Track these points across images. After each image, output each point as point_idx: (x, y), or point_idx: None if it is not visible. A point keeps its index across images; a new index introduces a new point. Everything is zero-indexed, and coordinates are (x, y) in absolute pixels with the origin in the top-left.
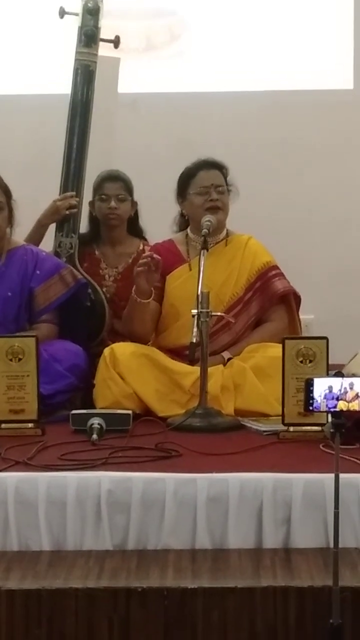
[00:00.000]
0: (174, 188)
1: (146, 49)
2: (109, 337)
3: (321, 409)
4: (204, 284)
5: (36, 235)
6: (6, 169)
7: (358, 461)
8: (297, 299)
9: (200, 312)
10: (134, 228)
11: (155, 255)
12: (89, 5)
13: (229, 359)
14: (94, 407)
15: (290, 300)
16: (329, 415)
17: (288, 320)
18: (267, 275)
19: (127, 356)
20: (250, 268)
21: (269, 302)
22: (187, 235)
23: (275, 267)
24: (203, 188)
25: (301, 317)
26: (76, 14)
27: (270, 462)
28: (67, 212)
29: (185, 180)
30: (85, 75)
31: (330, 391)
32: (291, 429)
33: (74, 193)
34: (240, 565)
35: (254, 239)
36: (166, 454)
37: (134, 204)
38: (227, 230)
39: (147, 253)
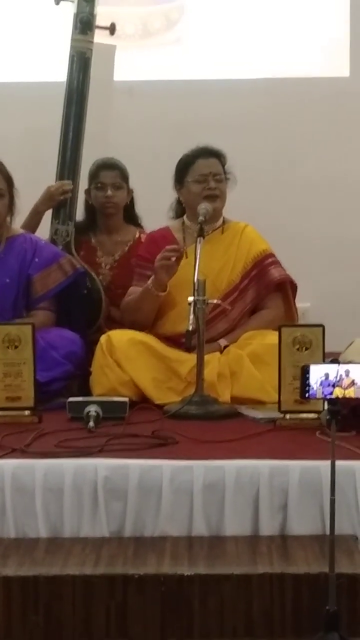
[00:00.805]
0: (170, 175)
1: (142, 36)
2: (105, 324)
3: (317, 396)
4: (201, 272)
5: (32, 223)
6: (2, 156)
7: (354, 448)
8: (294, 287)
9: (197, 299)
10: (130, 216)
11: (179, 248)
12: None
13: (225, 347)
14: (90, 395)
15: (287, 289)
16: (325, 403)
17: (284, 308)
18: (263, 263)
19: (124, 343)
20: (246, 256)
21: (265, 290)
22: (183, 222)
23: (272, 255)
24: (201, 176)
25: (297, 304)
26: (72, 1)
27: (267, 449)
28: (62, 198)
29: (184, 168)
30: (81, 63)
31: (327, 378)
32: (287, 416)
33: (67, 181)
34: (237, 552)
35: (251, 226)
36: (163, 441)
37: (130, 192)
38: (223, 218)
39: (172, 247)
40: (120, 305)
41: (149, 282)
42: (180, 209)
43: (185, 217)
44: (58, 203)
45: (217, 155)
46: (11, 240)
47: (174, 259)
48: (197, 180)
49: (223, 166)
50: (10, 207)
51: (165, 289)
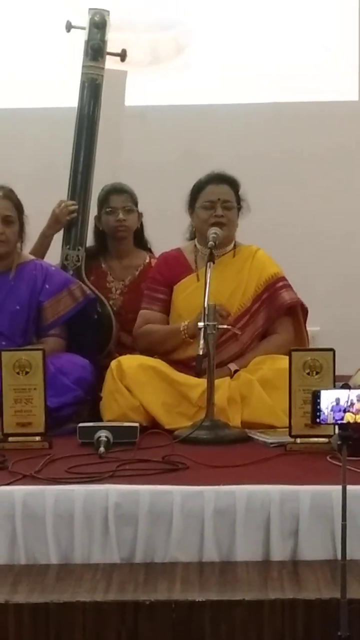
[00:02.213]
0: (180, 200)
1: (152, 62)
2: (116, 349)
3: (328, 421)
4: (212, 296)
5: (41, 247)
6: (13, 182)
7: None
8: (304, 310)
9: (207, 324)
10: (140, 240)
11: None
12: (96, 19)
13: (235, 371)
14: (101, 420)
15: (298, 312)
16: (336, 427)
17: (295, 332)
18: (274, 287)
19: (134, 369)
20: (257, 279)
21: (276, 313)
22: (195, 245)
23: (283, 279)
24: (209, 203)
25: (307, 328)
26: (83, 28)
27: (278, 474)
28: (68, 219)
29: (195, 193)
30: (92, 89)
31: (337, 403)
32: (298, 440)
33: (73, 201)
34: (248, 578)
35: (262, 250)
36: (173, 466)
37: (140, 216)
38: (234, 242)
39: (225, 309)
40: (134, 330)
41: (182, 325)
42: (194, 232)
43: (196, 240)
44: (67, 227)
45: (229, 181)
46: (21, 267)
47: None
48: (205, 207)
49: (236, 193)
50: (21, 234)
51: (194, 337)
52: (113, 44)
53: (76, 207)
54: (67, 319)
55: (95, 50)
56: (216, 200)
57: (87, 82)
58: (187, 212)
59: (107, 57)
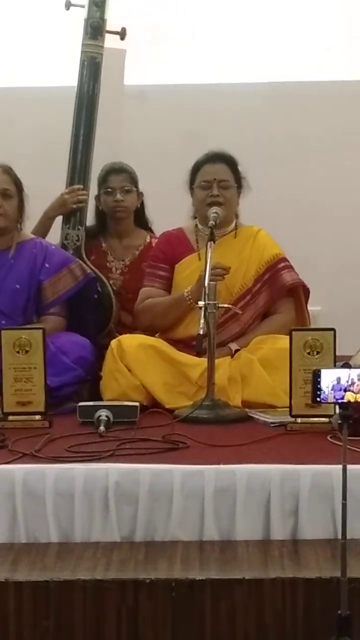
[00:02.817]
0: (181, 179)
1: (152, 40)
2: (116, 329)
3: (329, 400)
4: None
5: (43, 228)
6: (13, 161)
7: None
8: (306, 291)
9: (207, 303)
10: (141, 219)
11: (227, 268)
12: None
13: (236, 351)
14: (101, 399)
15: (299, 293)
16: (337, 407)
17: (296, 312)
18: (276, 267)
19: (134, 348)
20: (259, 260)
21: (278, 294)
22: (196, 225)
23: (285, 260)
24: (205, 182)
25: (309, 308)
26: (82, 6)
27: (278, 454)
28: (74, 206)
29: (193, 173)
30: (92, 68)
31: (338, 382)
32: (299, 420)
33: (81, 186)
34: (248, 557)
35: (264, 230)
36: (173, 445)
37: (140, 195)
38: (236, 222)
39: (221, 266)
40: (135, 307)
41: (186, 291)
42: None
43: (197, 220)
44: (69, 210)
45: (226, 160)
46: (21, 245)
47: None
48: (202, 187)
49: (234, 172)
50: (20, 211)
51: (198, 300)
52: (112, 22)
53: (86, 196)
54: (67, 298)
55: (95, 29)
56: (212, 180)
57: (87, 60)
58: (189, 192)
59: (107, 35)
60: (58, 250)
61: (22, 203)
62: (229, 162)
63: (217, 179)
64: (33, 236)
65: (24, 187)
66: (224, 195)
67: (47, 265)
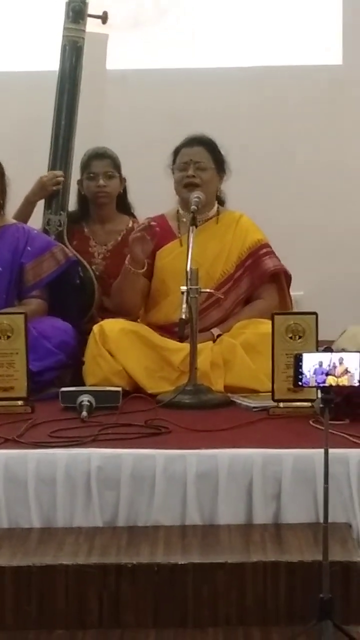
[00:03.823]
0: (163, 164)
1: (134, 25)
2: (98, 314)
3: (310, 385)
4: (194, 261)
5: (24, 213)
6: None
7: (347, 436)
8: (288, 277)
9: (190, 288)
10: (123, 205)
11: (152, 223)
12: None
13: (218, 336)
14: (83, 384)
15: (281, 279)
16: (319, 391)
17: (279, 298)
18: (258, 253)
19: (117, 333)
20: (241, 246)
21: (260, 280)
22: (178, 211)
23: (267, 245)
24: (182, 164)
25: (291, 293)
26: None
27: (260, 438)
28: (54, 189)
29: (173, 156)
30: (73, 52)
31: (320, 366)
32: (281, 404)
33: (59, 171)
34: (230, 541)
35: (246, 216)
36: (156, 430)
37: (123, 181)
38: (218, 207)
39: (144, 220)
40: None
41: (127, 260)
42: None
43: (178, 205)
44: (50, 193)
45: (203, 142)
46: (3, 229)
47: (149, 236)
48: (179, 168)
49: (213, 154)
50: (2, 196)
51: (142, 266)
52: (94, 6)
53: (63, 178)
54: (49, 281)
55: (76, 12)
56: (188, 162)
57: (68, 44)
58: (171, 175)
59: (88, 19)
60: (40, 235)
61: (3, 188)
62: (207, 144)
63: (194, 160)
64: (15, 221)
65: (6, 172)
66: (200, 176)
67: (29, 248)
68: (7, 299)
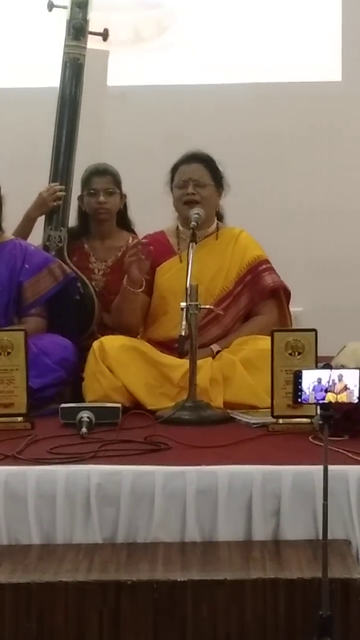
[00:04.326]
0: (163, 180)
1: (135, 42)
2: (98, 330)
3: (310, 401)
4: (194, 277)
5: (24, 229)
6: None
7: (347, 453)
8: (287, 293)
9: (189, 305)
10: (123, 221)
11: (144, 241)
12: None
13: (218, 352)
14: (83, 401)
15: (281, 295)
16: (318, 407)
17: (278, 314)
18: (257, 270)
19: (116, 349)
20: (240, 262)
21: (259, 296)
22: (177, 227)
23: (266, 262)
24: (181, 182)
25: (290, 309)
26: (64, 7)
27: (260, 455)
28: (54, 204)
29: (171, 174)
30: (74, 69)
31: (319, 383)
32: (280, 421)
33: (58, 184)
34: (230, 558)
35: (246, 232)
36: (155, 447)
37: (123, 197)
38: (217, 223)
39: (136, 240)
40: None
41: (124, 280)
42: None
43: (178, 222)
44: (51, 209)
45: (202, 160)
46: (1, 247)
47: (144, 255)
48: (178, 186)
49: (212, 171)
50: None
51: (140, 286)
52: (95, 23)
53: (64, 193)
54: (48, 299)
55: (77, 30)
56: (188, 179)
57: (69, 61)
58: (170, 193)
59: (89, 36)
60: (38, 251)
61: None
62: (206, 161)
63: (192, 178)
64: (12, 237)
65: (6, 188)
66: (200, 193)
67: (26, 266)
68: (7, 317)
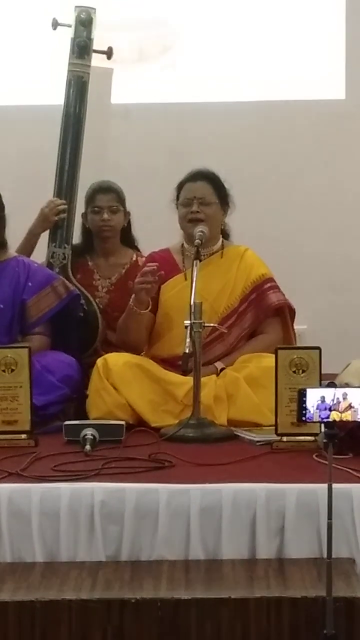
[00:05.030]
0: (167, 198)
1: (139, 60)
2: (102, 347)
3: (314, 420)
4: (199, 295)
5: (28, 246)
6: None
7: (351, 471)
8: (292, 312)
9: (193, 322)
10: (127, 238)
11: (155, 268)
12: (82, 16)
13: (222, 369)
14: (87, 418)
15: (285, 314)
16: (322, 426)
17: (282, 333)
18: (262, 288)
19: (120, 366)
20: (245, 280)
21: (264, 314)
22: (182, 245)
23: (271, 280)
24: (186, 200)
25: (294, 327)
26: (69, 26)
27: (264, 472)
28: (56, 218)
29: (177, 191)
30: (78, 87)
31: (323, 401)
32: (284, 439)
33: (59, 199)
34: (234, 576)
35: (251, 250)
36: (159, 464)
37: (127, 214)
38: (222, 241)
39: (149, 267)
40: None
41: (131, 300)
42: None
43: (183, 239)
44: (54, 225)
45: (208, 178)
46: (4, 264)
47: (150, 280)
48: (183, 204)
49: (217, 189)
50: (1, 231)
51: (147, 307)
52: (99, 41)
53: (65, 207)
54: (51, 316)
55: (82, 48)
56: (192, 198)
57: (74, 79)
58: (176, 210)
59: (93, 54)
60: (41, 269)
61: (3, 222)
62: (211, 179)
63: (197, 197)
64: (16, 254)
65: (10, 206)
66: (204, 211)
67: (30, 283)
68: (10, 336)
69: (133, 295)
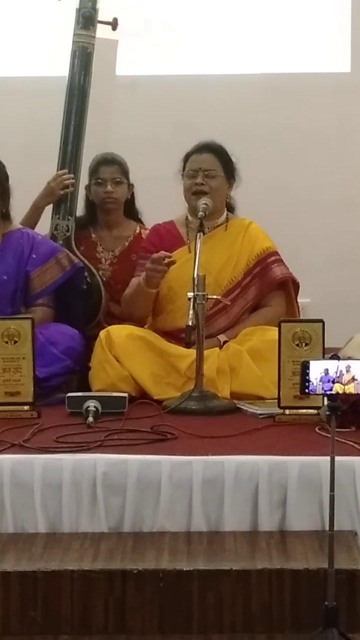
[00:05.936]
0: (171, 170)
1: (144, 31)
2: (105, 320)
3: (317, 392)
4: (203, 267)
5: (32, 219)
6: (2, 152)
7: (353, 444)
8: (296, 285)
9: (196, 295)
10: (131, 211)
11: (170, 257)
12: None
13: (225, 342)
14: (89, 390)
15: (289, 287)
16: (325, 398)
17: (286, 306)
18: (266, 261)
19: (123, 339)
20: (249, 253)
21: (267, 288)
22: (186, 217)
23: (275, 253)
24: (191, 171)
25: (298, 300)
26: None
27: (266, 445)
28: (62, 192)
29: (183, 162)
30: (83, 58)
31: (326, 374)
32: (287, 412)
33: (66, 171)
34: (236, 548)
35: (255, 223)
36: (162, 436)
37: (130, 187)
38: (227, 214)
39: (160, 255)
40: (121, 299)
41: (141, 278)
42: None
43: (187, 212)
44: (59, 198)
45: (213, 150)
46: (8, 236)
47: (161, 270)
48: (188, 176)
49: (223, 162)
50: (6, 203)
51: (157, 287)
52: (104, 12)
53: (72, 180)
54: (55, 288)
55: (87, 19)
56: (197, 169)
57: (78, 50)
58: (181, 181)
59: (99, 25)
60: (45, 241)
61: (6, 193)
62: (217, 151)
63: (202, 168)
64: (20, 227)
65: (14, 178)
66: (209, 184)
67: (34, 255)
68: (14, 307)
69: (143, 274)
